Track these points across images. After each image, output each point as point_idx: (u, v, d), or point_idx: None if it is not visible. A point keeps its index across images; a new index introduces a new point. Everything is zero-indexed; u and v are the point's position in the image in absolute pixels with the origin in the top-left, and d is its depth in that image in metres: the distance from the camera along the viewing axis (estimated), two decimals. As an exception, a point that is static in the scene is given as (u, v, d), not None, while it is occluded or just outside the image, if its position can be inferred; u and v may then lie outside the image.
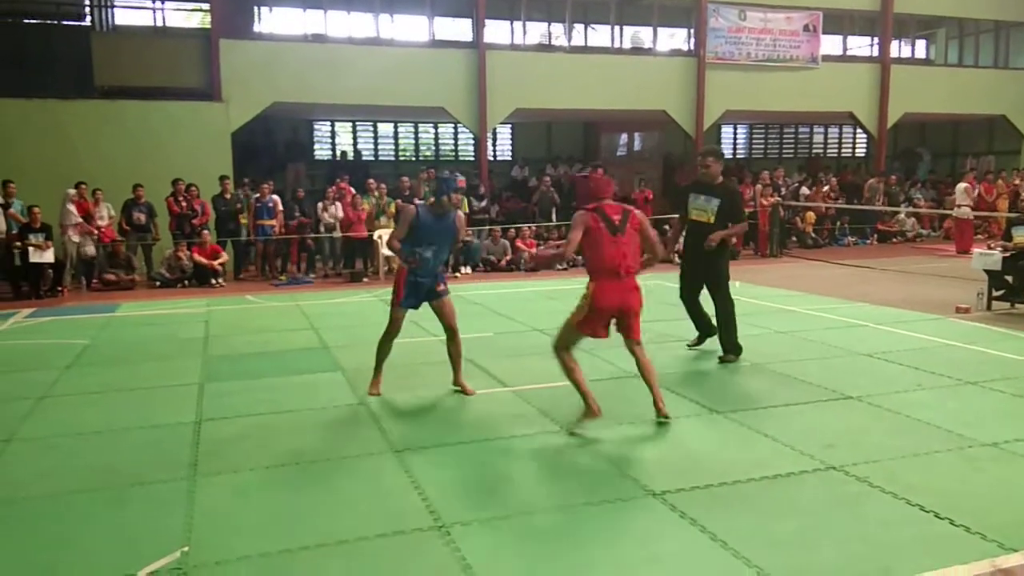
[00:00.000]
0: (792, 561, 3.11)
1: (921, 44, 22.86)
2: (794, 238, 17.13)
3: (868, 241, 17.84)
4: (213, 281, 12.30)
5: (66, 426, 5.10)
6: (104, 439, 4.83)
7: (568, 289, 11.28)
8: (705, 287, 6.72)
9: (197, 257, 12.37)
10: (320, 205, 13.43)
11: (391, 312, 5.62)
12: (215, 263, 12.46)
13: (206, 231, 12.77)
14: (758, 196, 15.66)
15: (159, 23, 17.33)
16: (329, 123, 19.81)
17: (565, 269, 13.65)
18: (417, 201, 5.72)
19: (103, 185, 12.59)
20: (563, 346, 4.85)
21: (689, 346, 7.05)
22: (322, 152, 19.88)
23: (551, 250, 4.89)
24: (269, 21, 18.19)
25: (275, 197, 13.34)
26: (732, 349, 6.57)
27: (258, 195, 13.18)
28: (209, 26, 15.42)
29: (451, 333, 5.65)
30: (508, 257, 14.03)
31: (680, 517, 3.53)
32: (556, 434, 4.75)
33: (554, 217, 15.97)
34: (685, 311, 6.97)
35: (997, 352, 6.74)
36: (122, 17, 17.53)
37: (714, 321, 6.80)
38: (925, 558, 3.12)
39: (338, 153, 19.66)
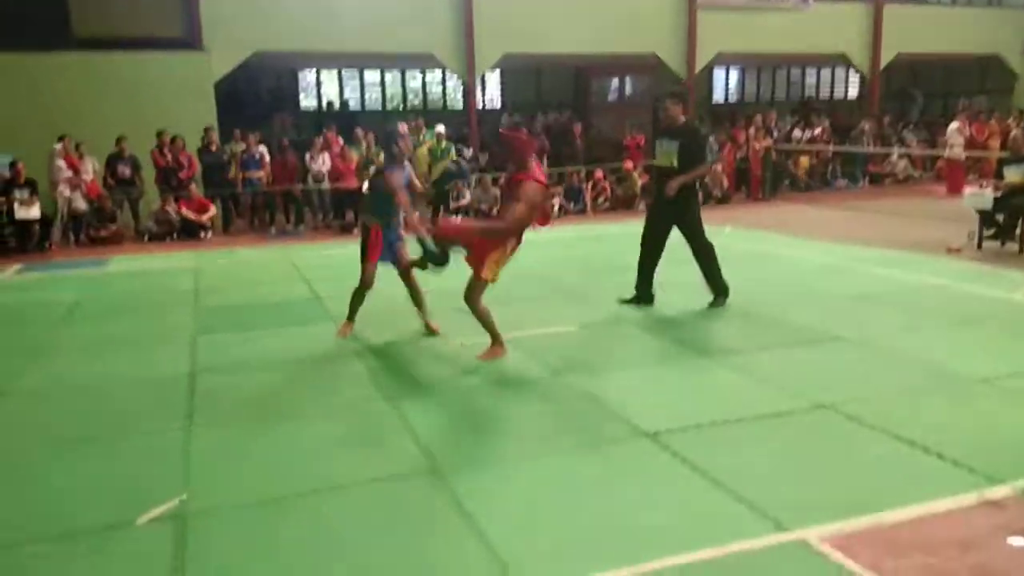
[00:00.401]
0: (783, 496, 3.17)
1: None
2: (786, 182, 17.06)
3: (860, 184, 17.78)
4: (202, 234, 12.20)
5: (61, 379, 5.11)
6: (100, 391, 4.83)
7: (560, 238, 11.26)
8: (684, 237, 6.48)
9: (184, 211, 12.24)
10: (308, 155, 13.25)
11: (364, 268, 5.77)
12: (203, 217, 12.34)
13: (193, 184, 12.61)
14: (750, 140, 15.54)
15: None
16: (314, 72, 19.44)
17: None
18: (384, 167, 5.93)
19: (85, 139, 12.37)
20: (479, 298, 5.11)
21: (622, 302, 6.63)
22: (308, 102, 19.54)
23: (477, 223, 5.23)
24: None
25: (262, 148, 13.16)
26: (720, 291, 6.52)
27: (244, 147, 12.98)
28: (188, -28, 14.97)
29: (405, 275, 5.81)
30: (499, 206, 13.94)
31: (672, 456, 3.58)
32: (548, 379, 4.78)
33: (545, 164, 15.84)
34: (639, 259, 6.58)
35: (987, 291, 6.78)
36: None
37: (654, 290, 6.58)
38: (914, 492, 3.17)
39: (324, 103, 19.34)
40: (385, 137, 5.95)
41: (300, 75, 19.38)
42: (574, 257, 9.28)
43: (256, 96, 17.83)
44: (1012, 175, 8.68)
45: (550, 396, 4.52)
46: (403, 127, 6.35)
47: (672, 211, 6.40)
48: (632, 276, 6.68)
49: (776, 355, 5.14)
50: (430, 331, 5.86)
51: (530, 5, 16.40)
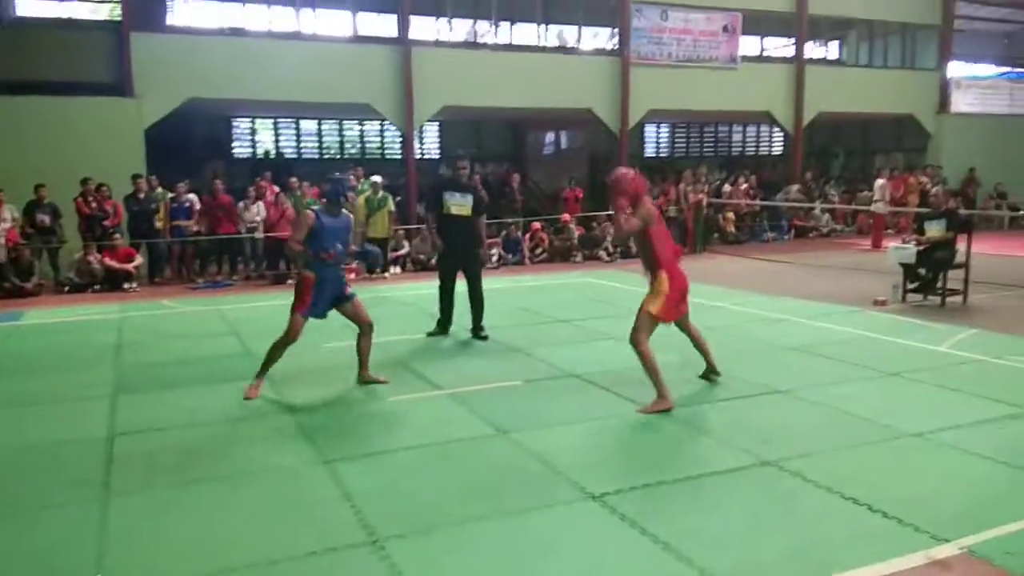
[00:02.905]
0: (734, 559, 3.10)
1: (835, 45, 23.66)
2: (716, 235, 17.50)
3: (786, 237, 18.36)
4: (126, 285, 11.69)
5: (-37, 446, 4.72)
6: (8, 459, 4.48)
7: (499, 288, 11.21)
8: (468, 280, 7.49)
9: (108, 261, 11.74)
10: (241, 204, 12.95)
11: (291, 319, 5.55)
12: (128, 266, 11.85)
13: (117, 234, 12.14)
14: (684, 193, 15.92)
15: (65, 15, 16.40)
16: (249, 120, 19.20)
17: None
18: (314, 207, 5.85)
19: (3, 186, 11.80)
20: (644, 338, 5.10)
21: (429, 334, 7.61)
22: (242, 150, 19.25)
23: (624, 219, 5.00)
24: (184, 13, 17.45)
25: (192, 196, 12.80)
26: (482, 330, 7.47)
27: (173, 195, 12.62)
28: (119, 18, 14.66)
29: (367, 328, 5.79)
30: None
31: (620, 520, 3.49)
32: (490, 438, 4.66)
33: (484, 216, 15.83)
34: (440, 300, 7.66)
35: (915, 343, 6.98)
36: (24, 8, 16.53)
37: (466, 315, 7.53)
38: (862, 551, 3.15)
39: (259, 151, 19.06)
40: (334, 184, 5.72)
41: (234, 123, 19.11)
42: (515, 308, 9.22)
43: (188, 144, 17.46)
44: (933, 230, 9.03)
45: (494, 456, 4.38)
46: (353, 180, 6.26)
47: (464, 254, 7.52)
48: (572, 328, 6.68)
49: (720, 409, 5.15)
50: (375, 382, 5.80)
51: (469, 60, 16.63)
